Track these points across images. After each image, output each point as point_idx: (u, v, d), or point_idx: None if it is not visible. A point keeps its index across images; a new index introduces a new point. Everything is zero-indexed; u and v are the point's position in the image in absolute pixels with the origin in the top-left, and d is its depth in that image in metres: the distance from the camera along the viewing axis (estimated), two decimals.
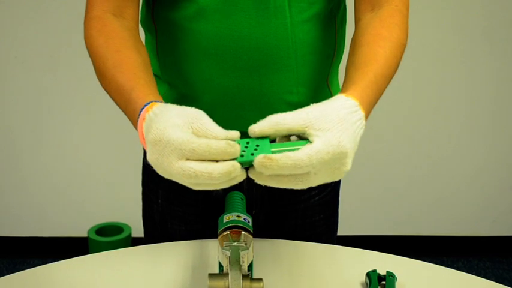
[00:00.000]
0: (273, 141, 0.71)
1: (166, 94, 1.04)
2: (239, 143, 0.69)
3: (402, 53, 0.90)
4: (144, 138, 0.74)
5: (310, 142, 0.69)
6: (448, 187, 2.59)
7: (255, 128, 0.70)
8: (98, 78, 0.88)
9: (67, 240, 2.58)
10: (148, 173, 1.13)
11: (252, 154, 0.68)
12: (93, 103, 2.41)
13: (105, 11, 0.91)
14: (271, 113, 0.95)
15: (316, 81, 1.02)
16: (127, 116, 0.82)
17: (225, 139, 0.67)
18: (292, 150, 0.68)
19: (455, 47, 2.42)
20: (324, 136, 0.68)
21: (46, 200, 2.54)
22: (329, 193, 1.15)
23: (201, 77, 0.97)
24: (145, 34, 1.07)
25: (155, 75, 1.07)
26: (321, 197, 1.14)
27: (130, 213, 2.48)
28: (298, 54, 0.96)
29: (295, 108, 0.98)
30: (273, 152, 0.67)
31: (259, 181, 0.68)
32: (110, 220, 2.54)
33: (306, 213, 1.13)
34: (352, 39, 0.92)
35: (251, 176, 0.68)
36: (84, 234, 2.49)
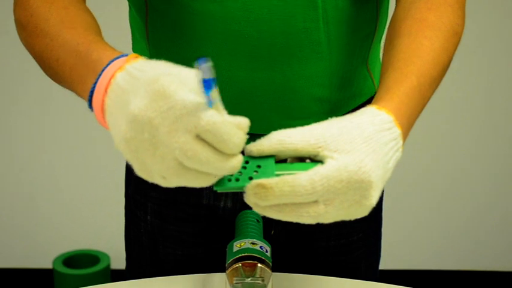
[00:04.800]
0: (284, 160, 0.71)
1: None
2: None
3: (456, 44, 0.89)
4: (103, 104, 0.70)
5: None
6: None
7: (252, 148, 0.71)
8: (29, 42, 0.86)
9: (27, 272, 2.59)
10: (134, 183, 1.13)
11: (251, 178, 0.69)
12: (59, 106, 2.41)
13: None
14: (298, 111, 0.94)
15: (353, 68, 1.03)
16: (76, 75, 0.78)
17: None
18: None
19: None
20: (341, 159, 0.68)
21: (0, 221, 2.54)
22: None
23: None
24: (130, 9, 1.07)
25: None
26: None
27: (108, 238, 2.48)
28: (332, 36, 0.96)
29: (327, 106, 0.99)
30: (276, 176, 0.68)
31: (256, 210, 0.69)
32: (81, 247, 2.56)
33: (341, 232, 1.11)
34: (390, 21, 0.91)
35: (247, 203, 0.69)
36: (49, 266, 2.50)
